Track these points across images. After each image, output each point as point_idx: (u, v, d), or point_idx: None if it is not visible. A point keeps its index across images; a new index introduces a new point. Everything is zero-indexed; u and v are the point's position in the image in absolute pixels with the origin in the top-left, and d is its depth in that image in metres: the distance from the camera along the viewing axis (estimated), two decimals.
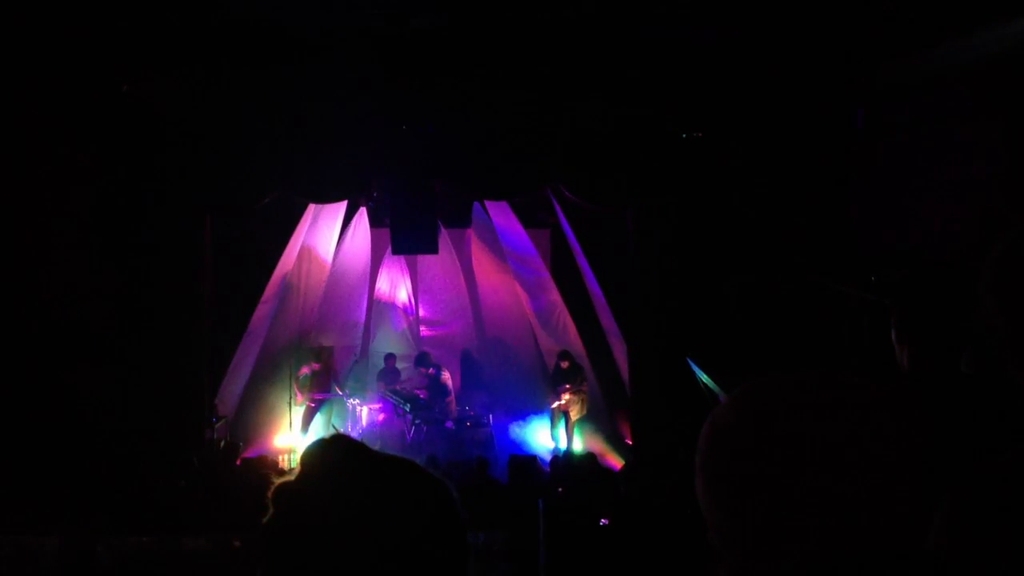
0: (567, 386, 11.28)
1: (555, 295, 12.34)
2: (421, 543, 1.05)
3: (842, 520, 0.94)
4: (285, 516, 1.05)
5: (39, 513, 5.75)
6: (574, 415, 11.36)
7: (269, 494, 1.07)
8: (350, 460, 1.09)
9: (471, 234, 12.95)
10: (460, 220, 12.61)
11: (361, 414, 12.21)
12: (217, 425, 10.23)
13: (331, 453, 1.10)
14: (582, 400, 11.38)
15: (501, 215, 12.12)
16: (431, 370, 11.93)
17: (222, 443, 9.92)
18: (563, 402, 11.35)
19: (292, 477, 1.09)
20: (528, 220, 12.18)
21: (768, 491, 0.97)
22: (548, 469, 9.66)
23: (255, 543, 1.05)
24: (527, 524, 5.72)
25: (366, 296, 13.02)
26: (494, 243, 12.58)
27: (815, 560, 0.94)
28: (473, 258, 13.01)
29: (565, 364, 11.41)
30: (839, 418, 0.98)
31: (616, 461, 10.52)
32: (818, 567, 0.94)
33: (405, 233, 9.69)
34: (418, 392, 11.96)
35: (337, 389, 11.90)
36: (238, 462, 9.53)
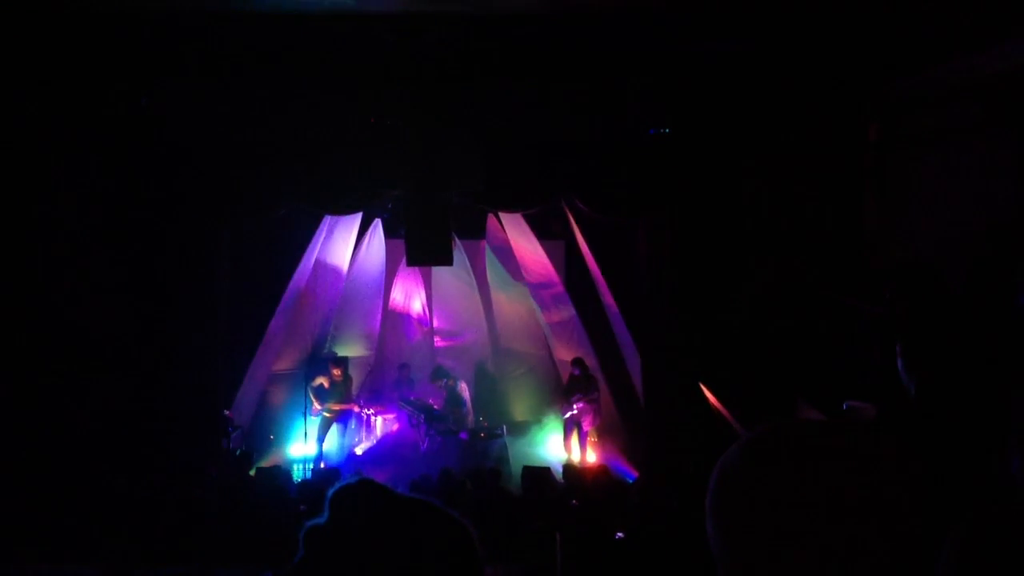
0: (579, 396, 11.30)
1: (569, 307, 12.37)
2: None
3: (845, 566, 0.98)
4: (315, 557, 1.11)
5: (69, 539, 5.83)
6: (587, 426, 11.37)
7: (300, 535, 1.12)
8: (376, 504, 1.15)
9: (485, 245, 12.99)
10: (474, 232, 12.67)
11: (375, 424, 12.28)
12: (233, 435, 10.31)
13: (358, 497, 1.16)
14: (595, 411, 11.39)
15: (515, 227, 12.17)
16: (447, 382, 11.98)
17: (237, 453, 10.00)
18: (576, 413, 11.37)
19: (321, 520, 1.14)
20: (542, 232, 12.23)
21: (773, 536, 1.01)
22: (561, 480, 9.68)
23: None
24: (545, 556, 5.74)
25: (381, 307, 13.10)
26: (508, 255, 12.63)
27: None
28: (487, 269, 13.05)
29: (577, 372, 11.42)
30: (844, 468, 1.02)
31: (630, 473, 10.54)
32: None
33: (419, 244, 9.72)
34: (432, 402, 12.02)
35: (352, 399, 11.96)
36: (252, 472, 9.60)
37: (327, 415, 11.63)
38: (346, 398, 11.81)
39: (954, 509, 1.13)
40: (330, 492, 1.17)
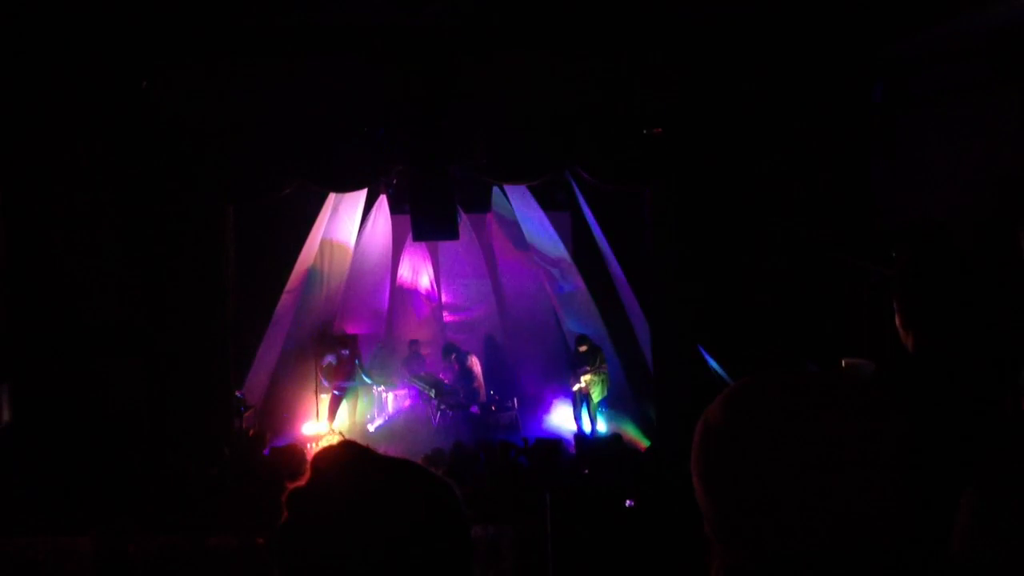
0: (586, 368, 11.34)
1: (576, 277, 12.36)
2: (425, 541, 1.10)
3: (825, 516, 0.98)
4: (298, 518, 1.11)
5: (74, 513, 5.89)
6: (596, 396, 11.42)
7: (282, 498, 1.13)
8: (357, 464, 1.15)
9: (491, 218, 12.98)
10: (480, 205, 12.64)
11: (387, 401, 12.33)
12: (245, 414, 10.37)
13: (339, 458, 1.16)
14: (603, 380, 11.43)
15: (520, 199, 12.14)
16: (455, 363, 12.01)
17: (251, 432, 10.06)
18: (584, 385, 11.40)
19: (304, 481, 1.14)
20: (548, 203, 12.19)
21: (755, 488, 1.01)
22: (573, 451, 9.73)
23: (272, 543, 1.11)
24: (536, 517, 5.78)
25: (388, 283, 13.11)
26: (514, 227, 12.61)
27: (798, 554, 0.98)
28: (494, 242, 13.04)
29: (583, 348, 11.46)
30: (825, 418, 1.01)
31: (641, 442, 10.58)
32: (800, 560, 0.98)
33: (425, 219, 9.72)
34: (443, 377, 12.06)
35: (363, 376, 12.01)
36: (266, 451, 9.67)
37: (337, 393, 11.69)
38: (356, 375, 11.86)
39: (947, 462, 1.12)
40: (312, 455, 1.17)
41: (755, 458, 1.01)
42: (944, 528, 1.01)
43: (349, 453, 1.17)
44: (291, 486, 1.13)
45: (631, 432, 10.97)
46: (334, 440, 10.76)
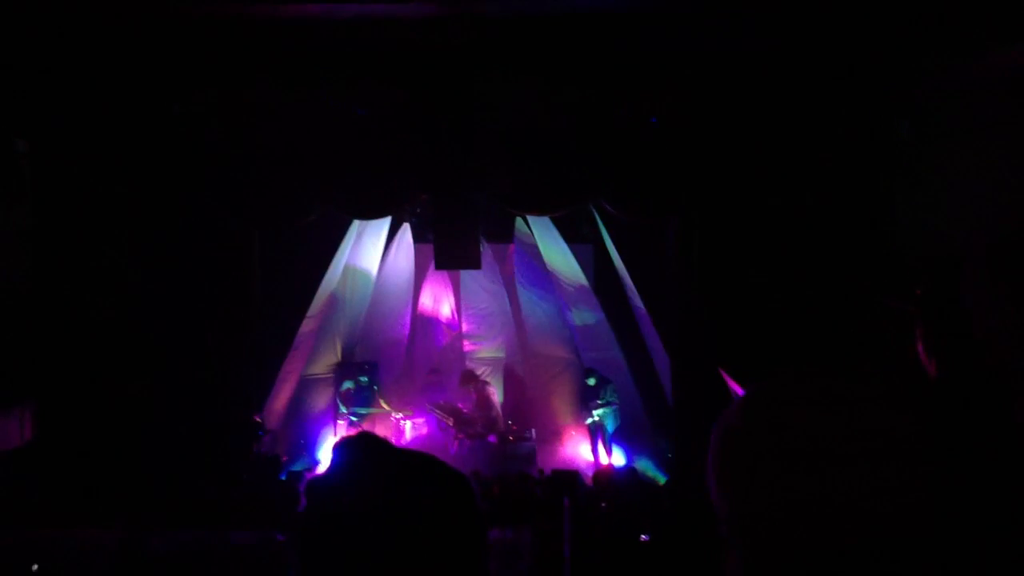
0: (597, 401, 11.35)
1: (597, 309, 12.35)
2: (440, 529, 1.11)
3: (840, 512, 0.98)
4: (317, 507, 1.13)
5: (98, 510, 5.93)
6: (609, 427, 11.41)
7: (302, 487, 1.14)
8: (374, 454, 1.17)
9: (513, 248, 13.01)
10: (502, 235, 12.69)
11: (405, 428, 12.31)
12: (264, 439, 10.39)
13: (357, 448, 1.18)
14: (614, 412, 11.42)
15: (543, 229, 12.18)
16: (474, 392, 12.00)
17: (268, 456, 10.07)
18: (596, 418, 11.40)
19: (322, 471, 1.16)
20: (570, 234, 12.22)
21: (771, 487, 1.01)
22: (590, 484, 9.65)
23: (292, 532, 1.12)
24: (554, 522, 5.76)
25: (409, 311, 13.14)
26: (536, 257, 12.63)
27: (813, 551, 0.98)
28: (516, 272, 13.06)
29: (592, 381, 11.47)
30: (840, 415, 1.02)
31: (659, 475, 10.50)
32: (815, 558, 0.97)
33: (448, 248, 9.75)
34: (461, 406, 12.04)
35: (381, 404, 12.01)
36: (283, 476, 9.67)
37: (354, 419, 11.70)
38: (375, 402, 11.87)
39: (964, 460, 1.11)
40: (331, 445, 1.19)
41: (771, 455, 1.02)
42: (960, 525, 1.01)
43: (367, 443, 1.18)
44: (310, 476, 1.14)
45: (647, 467, 10.89)
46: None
